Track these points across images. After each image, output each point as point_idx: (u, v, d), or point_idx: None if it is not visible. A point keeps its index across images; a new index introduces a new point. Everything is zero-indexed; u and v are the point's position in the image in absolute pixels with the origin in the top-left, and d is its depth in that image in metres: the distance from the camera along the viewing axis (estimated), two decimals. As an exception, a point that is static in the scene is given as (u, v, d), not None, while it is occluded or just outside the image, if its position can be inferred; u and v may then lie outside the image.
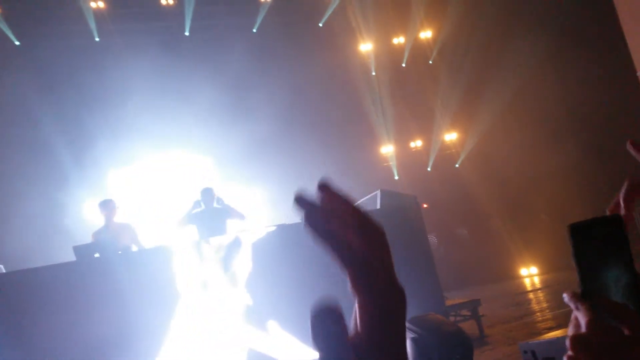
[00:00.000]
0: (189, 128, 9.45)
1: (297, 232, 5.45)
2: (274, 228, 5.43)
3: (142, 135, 9.15)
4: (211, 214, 6.06)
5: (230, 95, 9.61)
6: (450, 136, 11.79)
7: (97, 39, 10.05)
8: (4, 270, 5.31)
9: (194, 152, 9.97)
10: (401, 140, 11.57)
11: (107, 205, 5.71)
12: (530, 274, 10.87)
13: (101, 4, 10.15)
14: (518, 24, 10.36)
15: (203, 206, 6.10)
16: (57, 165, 8.98)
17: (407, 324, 4.20)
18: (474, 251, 10.33)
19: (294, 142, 9.88)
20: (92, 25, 9.94)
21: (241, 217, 6.12)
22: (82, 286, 4.60)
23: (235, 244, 5.18)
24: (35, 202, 8.48)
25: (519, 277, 10.80)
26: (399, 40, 12.09)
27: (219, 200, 6.14)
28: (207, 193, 6.14)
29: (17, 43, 9.62)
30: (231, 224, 6.08)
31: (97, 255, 4.82)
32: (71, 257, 4.94)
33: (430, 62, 11.96)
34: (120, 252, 4.95)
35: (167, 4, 10.64)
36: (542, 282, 9.74)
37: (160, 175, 9.82)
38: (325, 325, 0.41)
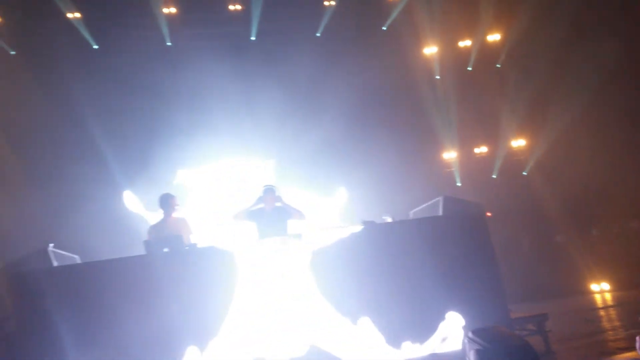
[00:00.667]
0: (254, 131, 9.65)
1: (367, 234, 5.44)
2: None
3: (209, 138, 9.43)
4: (272, 212, 6.05)
5: (294, 99, 9.75)
6: (518, 143, 11.37)
7: (168, 43, 10.48)
8: (79, 261, 5.64)
9: (258, 154, 10.16)
10: (465, 146, 11.28)
11: (168, 201, 5.87)
12: (601, 290, 10.27)
13: (173, 10, 10.58)
14: (593, 25, 9.87)
15: (264, 204, 6.09)
16: (128, 164, 9.42)
17: (471, 335, 4.07)
18: (541, 263, 9.89)
19: (356, 145, 9.88)
20: (165, 29, 10.37)
21: (301, 216, 6.09)
22: (151, 279, 4.80)
23: (302, 243, 5.23)
24: (110, 197, 8.97)
25: (589, 293, 10.23)
26: (465, 43, 11.81)
27: (279, 199, 6.15)
28: (269, 191, 6.16)
29: (95, 47, 10.20)
30: (291, 224, 6.09)
31: (165, 250, 5.01)
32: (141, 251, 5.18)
33: (498, 65, 11.60)
34: (187, 248, 5.12)
35: (235, 9, 10.93)
36: (615, 299, 9.18)
37: (224, 177, 10.07)
38: None
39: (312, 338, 4.90)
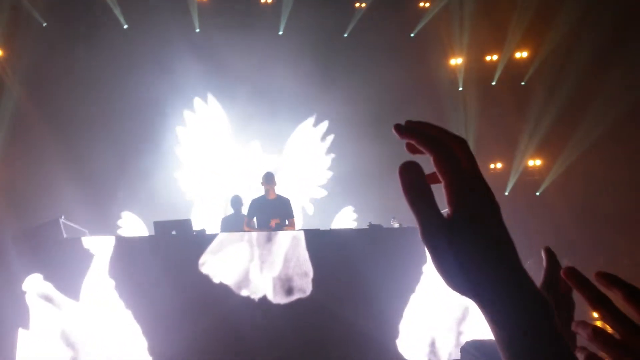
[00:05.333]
0: (271, 126, 9.74)
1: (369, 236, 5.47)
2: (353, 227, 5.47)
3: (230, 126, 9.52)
4: (274, 201, 5.97)
5: (311, 98, 9.80)
6: (535, 162, 11.29)
7: (197, 30, 10.57)
8: (88, 235, 5.75)
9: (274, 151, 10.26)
10: (480, 160, 11.03)
11: (273, 178, 6.09)
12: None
13: (205, -3, 10.68)
14: (625, 49, 9.75)
15: (265, 192, 6.01)
16: (145, 145, 9.54)
17: (466, 347, 4.08)
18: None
19: (369, 149, 9.86)
20: (195, 16, 10.47)
21: (292, 218, 6.02)
22: (155, 258, 4.89)
23: (297, 238, 5.27)
24: (126, 175, 9.12)
25: (594, 320, 10.14)
26: (491, 57, 11.75)
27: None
28: (269, 177, 6.05)
29: (125, 27, 10.34)
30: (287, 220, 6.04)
31: (173, 232, 5.10)
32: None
33: (523, 83, 11.52)
34: (195, 233, 5.20)
35: (266, 2, 10.99)
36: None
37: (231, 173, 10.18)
38: (412, 174, 0.52)
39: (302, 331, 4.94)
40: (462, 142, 0.55)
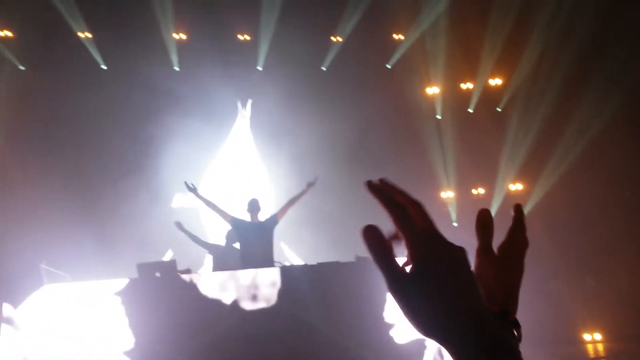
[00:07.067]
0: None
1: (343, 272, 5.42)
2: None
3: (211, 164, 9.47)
4: (257, 224, 6.03)
5: (293, 133, 9.86)
6: (516, 187, 11.43)
7: (176, 68, 10.63)
8: (69, 280, 5.61)
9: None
10: (462, 187, 11.32)
11: (258, 204, 6.18)
12: (593, 340, 10.16)
13: (183, 36, 10.79)
14: (596, 74, 10.06)
15: (250, 218, 6.08)
16: (128, 187, 9.44)
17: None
18: (531, 310, 9.79)
19: (352, 179, 9.87)
20: (173, 55, 10.54)
21: (297, 196, 6.16)
22: (139, 302, 4.77)
23: (277, 279, 5.20)
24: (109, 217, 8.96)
25: (581, 343, 10.12)
26: (467, 85, 12.01)
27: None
28: (254, 204, 6.12)
29: (104, 67, 10.35)
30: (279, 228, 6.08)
31: (157, 274, 5.00)
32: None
33: (499, 109, 11.76)
34: (179, 273, 5.11)
35: (245, 39, 11.15)
36: (607, 350, 9.08)
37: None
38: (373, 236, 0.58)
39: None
40: (418, 205, 0.62)
